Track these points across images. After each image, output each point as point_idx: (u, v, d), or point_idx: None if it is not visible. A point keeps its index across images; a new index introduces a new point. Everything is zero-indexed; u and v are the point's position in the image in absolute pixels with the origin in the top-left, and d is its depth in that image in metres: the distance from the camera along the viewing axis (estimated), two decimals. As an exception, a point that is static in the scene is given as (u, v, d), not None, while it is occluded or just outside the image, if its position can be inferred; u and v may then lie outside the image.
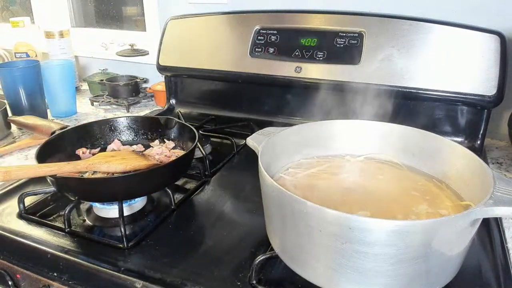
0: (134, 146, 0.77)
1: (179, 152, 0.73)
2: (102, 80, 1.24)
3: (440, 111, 0.83)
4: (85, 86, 1.34)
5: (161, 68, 1.06)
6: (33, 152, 0.87)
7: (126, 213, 0.61)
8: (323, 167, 0.60)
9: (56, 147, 0.69)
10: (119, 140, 0.78)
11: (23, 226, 0.60)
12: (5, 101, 1.01)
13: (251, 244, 0.55)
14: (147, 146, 0.77)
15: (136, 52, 1.28)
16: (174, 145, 0.76)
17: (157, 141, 0.78)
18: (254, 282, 0.48)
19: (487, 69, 0.77)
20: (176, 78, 1.08)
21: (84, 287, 0.52)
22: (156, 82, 1.22)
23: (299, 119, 0.94)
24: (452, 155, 0.54)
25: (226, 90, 1.03)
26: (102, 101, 1.19)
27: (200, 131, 0.91)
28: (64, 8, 1.48)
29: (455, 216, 0.39)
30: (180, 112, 1.05)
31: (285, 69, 0.91)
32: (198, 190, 0.70)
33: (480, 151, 0.82)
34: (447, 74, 0.80)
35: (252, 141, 0.56)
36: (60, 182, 0.59)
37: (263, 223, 0.54)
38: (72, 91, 1.11)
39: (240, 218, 0.63)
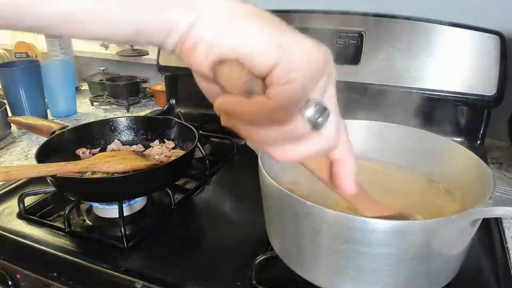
0: (134, 146, 0.77)
1: (179, 152, 0.73)
2: (102, 80, 1.24)
3: (440, 111, 0.83)
4: (85, 86, 1.34)
5: (161, 68, 1.06)
6: (33, 152, 0.87)
7: (126, 213, 0.61)
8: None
9: (56, 147, 0.69)
10: (119, 140, 0.78)
11: (23, 226, 0.60)
12: (5, 101, 1.01)
13: (251, 244, 0.55)
14: (147, 146, 0.77)
15: (136, 52, 1.28)
16: (174, 145, 0.76)
17: (157, 141, 0.78)
18: (254, 282, 0.48)
19: (487, 69, 0.77)
20: (176, 78, 1.08)
21: (84, 287, 0.52)
22: (156, 82, 1.23)
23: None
24: (452, 155, 0.54)
25: (226, 90, 1.03)
26: (102, 101, 1.19)
27: (200, 131, 0.91)
28: (64, 8, 1.48)
29: (455, 216, 0.39)
30: (180, 112, 1.05)
31: (285, 69, 0.91)
32: (198, 190, 0.70)
33: (480, 151, 0.82)
34: (447, 74, 0.80)
35: (252, 141, 0.56)
36: (60, 182, 0.59)
37: (263, 223, 0.54)
38: (72, 91, 1.11)
39: (240, 218, 0.63)
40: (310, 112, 0.26)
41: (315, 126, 0.27)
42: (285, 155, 0.27)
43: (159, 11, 0.24)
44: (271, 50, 0.24)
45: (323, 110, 0.27)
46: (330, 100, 0.28)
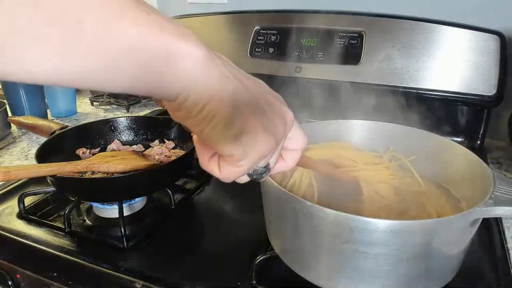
0: (134, 146, 0.77)
1: (179, 152, 0.73)
2: (102, 80, 1.24)
3: (440, 111, 0.83)
4: (85, 86, 1.34)
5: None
6: (33, 152, 0.87)
7: (126, 213, 0.61)
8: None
9: (56, 147, 0.69)
10: (119, 140, 0.78)
11: (23, 226, 0.60)
12: (5, 101, 1.01)
13: (251, 244, 0.55)
14: (147, 146, 0.77)
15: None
16: (174, 145, 0.76)
17: (157, 141, 0.78)
18: (254, 282, 0.48)
19: (487, 69, 0.77)
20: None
21: (84, 287, 0.52)
22: (156, 82, 1.22)
23: (298, 119, 0.94)
24: (452, 155, 0.54)
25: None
26: (102, 101, 1.19)
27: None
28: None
29: (455, 216, 0.39)
30: (180, 112, 1.05)
31: (285, 69, 0.91)
32: (198, 190, 0.70)
33: (480, 151, 0.82)
34: (447, 74, 0.80)
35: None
36: (60, 182, 0.59)
37: (263, 223, 0.54)
38: (72, 91, 1.11)
39: (240, 218, 0.63)
40: (252, 172, 0.33)
41: (255, 180, 0.34)
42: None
43: (154, 83, 0.25)
44: (229, 147, 0.28)
45: (263, 172, 0.33)
46: (274, 156, 0.33)
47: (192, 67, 0.25)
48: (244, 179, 0.34)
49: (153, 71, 0.24)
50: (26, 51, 0.20)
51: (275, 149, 0.32)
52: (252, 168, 0.31)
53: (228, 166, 0.30)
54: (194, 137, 0.33)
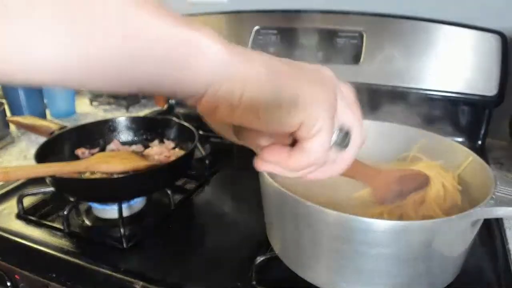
0: (134, 147, 0.77)
1: (179, 152, 0.73)
2: (101, 80, 1.23)
3: (441, 111, 0.82)
4: (84, 86, 1.34)
5: (161, 68, 1.06)
6: (32, 152, 0.86)
7: (125, 213, 0.60)
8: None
9: (55, 147, 0.69)
10: (118, 140, 0.78)
11: (22, 227, 0.60)
12: (4, 101, 1.01)
13: (251, 245, 0.55)
14: (146, 147, 0.77)
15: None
16: (173, 145, 0.76)
17: (156, 142, 0.78)
18: (254, 282, 0.47)
19: (488, 69, 0.77)
20: (176, 78, 1.08)
21: (83, 288, 0.52)
22: (156, 82, 1.22)
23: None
24: (453, 155, 0.54)
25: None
26: (102, 101, 1.19)
27: (200, 131, 0.91)
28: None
29: (456, 216, 0.39)
30: (179, 112, 1.05)
31: (285, 69, 0.91)
32: (198, 190, 0.70)
33: (481, 151, 0.81)
34: (448, 74, 0.79)
35: (252, 141, 0.55)
36: (59, 182, 0.58)
37: (263, 223, 0.54)
38: (71, 91, 1.11)
39: (240, 218, 0.63)
40: (335, 139, 0.28)
41: (342, 148, 0.29)
42: (314, 176, 0.30)
43: (179, 70, 0.24)
44: (294, 117, 0.26)
45: (346, 133, 0.29)
46: (344, 113, 0.29)
47: (215, 56, 0.25)
48: (331, 155, 0.30)
49: (176, 64, 0.24)
50: (42, 34, 0.20)
51: (336, 103, 0.28)
52: (332, 129, 0.28)
53: (309, 141, 0.27)
54: (264, 154, 0.29)
